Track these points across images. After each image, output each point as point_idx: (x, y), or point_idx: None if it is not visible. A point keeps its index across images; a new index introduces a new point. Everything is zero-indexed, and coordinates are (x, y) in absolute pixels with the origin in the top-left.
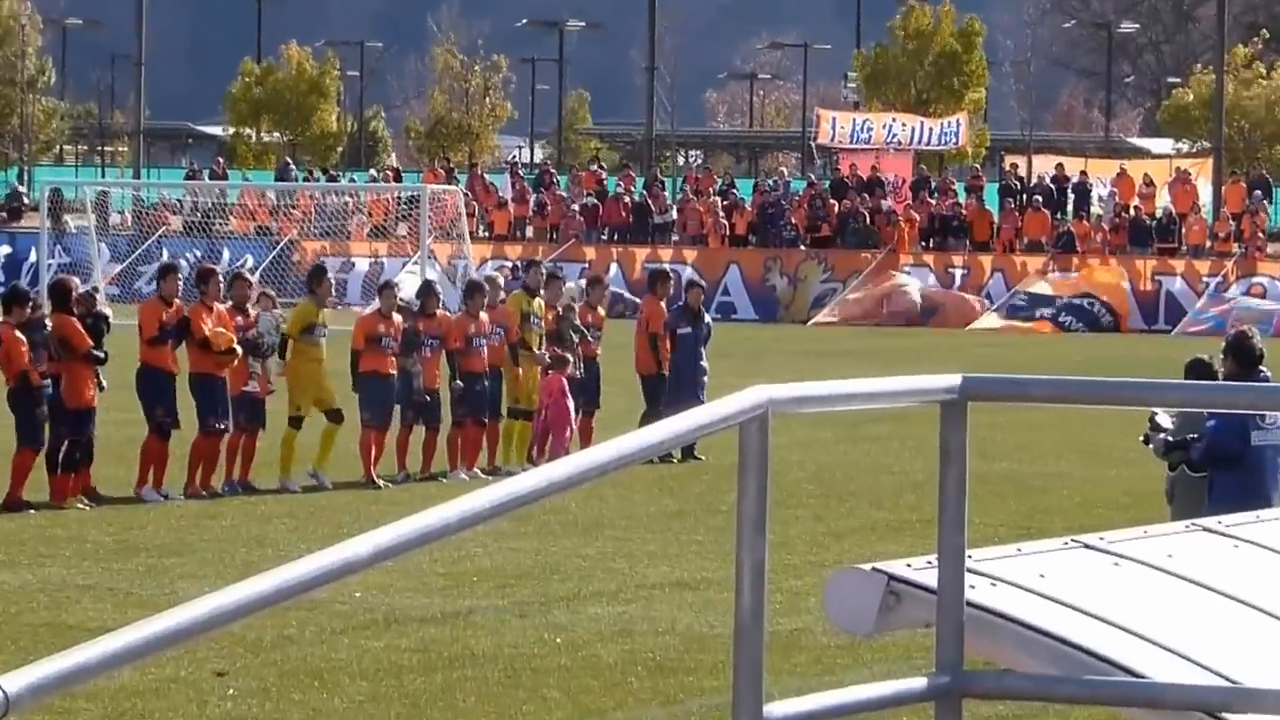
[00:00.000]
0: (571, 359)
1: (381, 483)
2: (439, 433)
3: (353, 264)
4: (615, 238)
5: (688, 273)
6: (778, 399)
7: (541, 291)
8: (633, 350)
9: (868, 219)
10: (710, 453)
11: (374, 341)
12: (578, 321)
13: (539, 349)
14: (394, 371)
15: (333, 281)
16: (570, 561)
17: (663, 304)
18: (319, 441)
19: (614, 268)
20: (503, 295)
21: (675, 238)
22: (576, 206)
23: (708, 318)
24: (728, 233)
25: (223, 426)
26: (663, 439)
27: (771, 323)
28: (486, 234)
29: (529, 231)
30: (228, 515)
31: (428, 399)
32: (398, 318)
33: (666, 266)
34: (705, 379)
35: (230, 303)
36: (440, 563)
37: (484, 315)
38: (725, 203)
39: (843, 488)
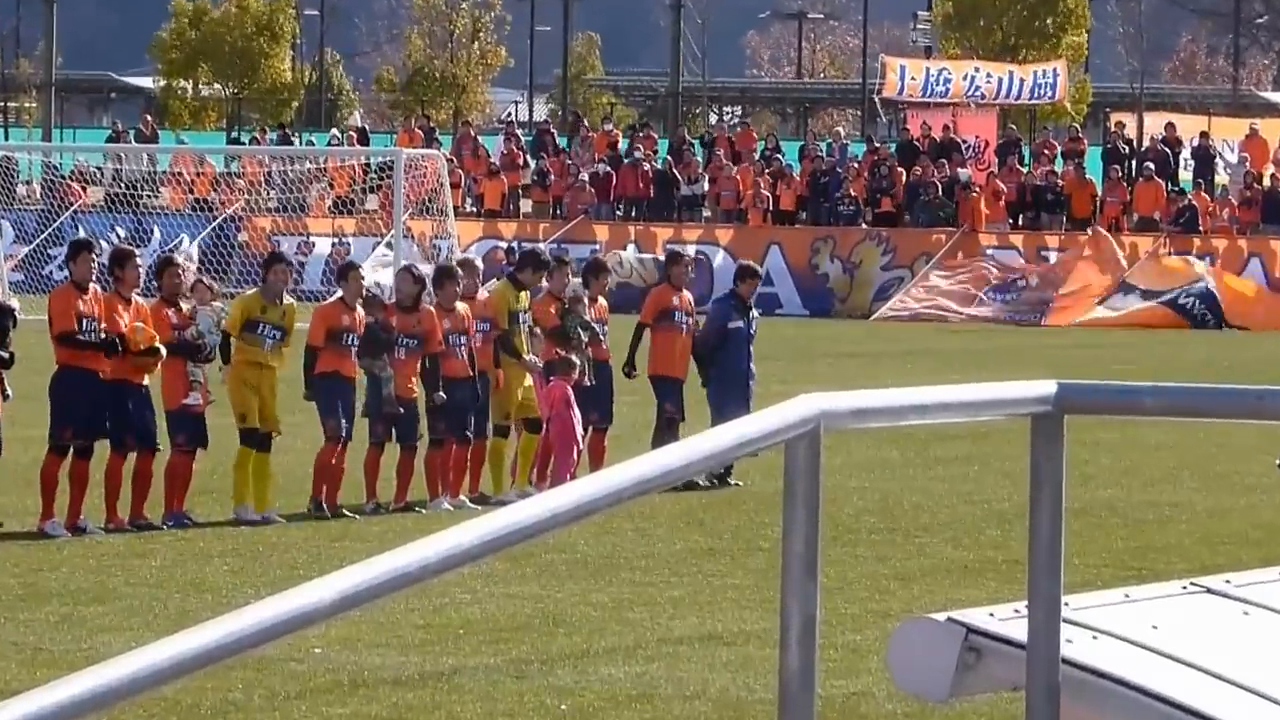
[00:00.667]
0: (579, 363)
1: (347, 513)
2: (415, 453)
3: (312, 244)
4: (633, 213)
5: (717, 258)
6: (832, 411)
7: (545, 283)
8: (654, 351)
9: (940, 190)
10: (749, 477)
11: (336, 338)
12: (588, 316)
13: (528, 354)
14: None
15: (294, 266)
16: (578, 611)
17: (681, 293)
18: (242, 475)
19: (630, 250)
20: (485, 284)
21: (706, 214)
22: (585, 175)
23: (755, 312)
24: (770, 207)
25: (150, 447)
26: (690, 460)
27: (824, 318)
28: (475, 209)
29: (526, 206)
30: (158, 554)
31: (401, 411)
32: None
33: (689, 249)
34: (754, 384)
35: (160, 295)
36: (418, 612)
37: (462, 307)
38: (768, 171)
39: (911, 521)
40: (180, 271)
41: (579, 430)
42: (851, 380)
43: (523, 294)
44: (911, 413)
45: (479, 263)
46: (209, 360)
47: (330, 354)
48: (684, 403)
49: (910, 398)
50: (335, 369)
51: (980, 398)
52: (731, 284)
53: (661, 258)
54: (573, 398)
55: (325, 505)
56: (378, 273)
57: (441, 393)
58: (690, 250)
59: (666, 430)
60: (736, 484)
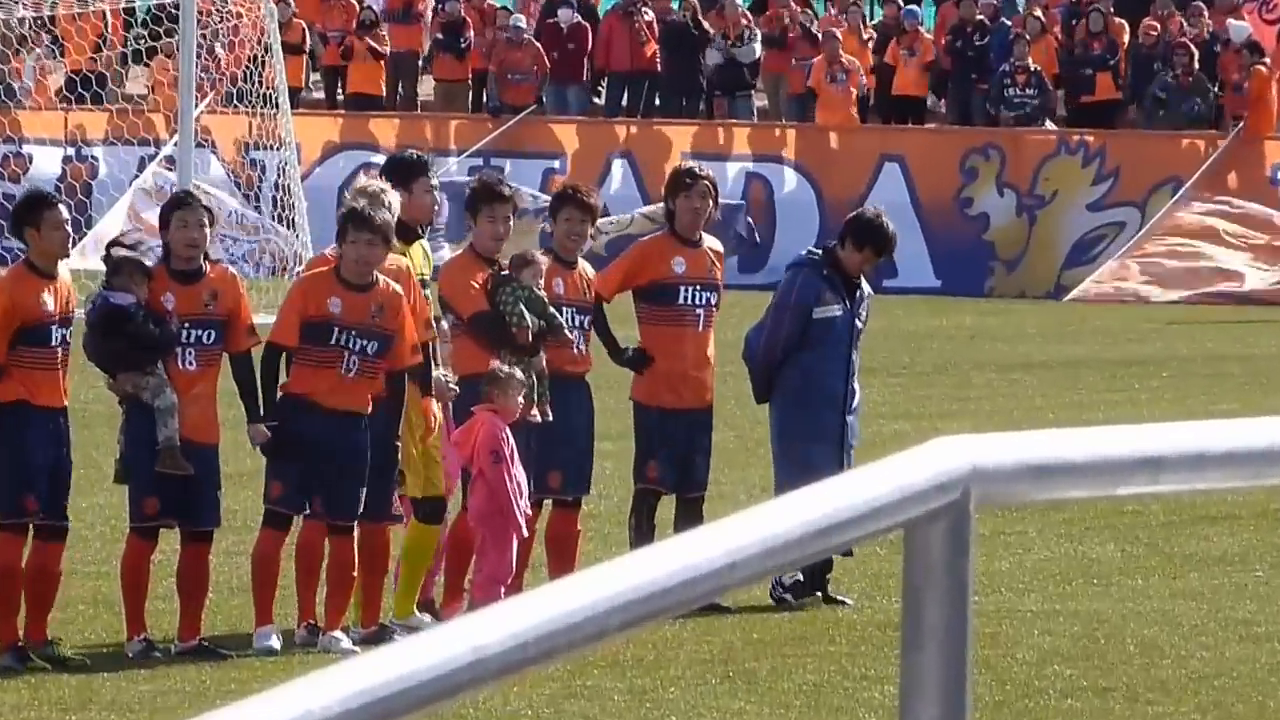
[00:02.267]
0: (524, 378)
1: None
2: (209, 544)
3: (28, 158)
4: (623, 99)
5: (783, 183)
6: (990, 469)
7: (446, 243)
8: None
9: (1196, 61)
10: (850, 583)
11: (35, 330)
12: (548, 304)
13: (443, 371)
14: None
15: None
16: None
17: (697, 249)
18: None
19: (618, 168)
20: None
21: (760, 103)
22: (526, 26)
23: (868, 289)
24: (878, 92)
25: None
26: (736, 558)
27: (974, 296)
28: (327, 92)
29: (427, 89)
30: None
31: (191, 470)
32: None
33: (699, 166)
34: (854, 419)
35: None
36: None
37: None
38: (873, 24)
39: (1139, 675)
40: None
41: (521, 503)
42: (1031, 418)
43: (415, 251)
44: (1138, 472)
45: (365, 195)
46: None
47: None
48: (693, 455)
49: (1135, 445)
50: (20, 397)
51: (1257, 446)
52: (824, 243)
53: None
54: (512, 445)
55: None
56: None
57: (265, 427)
58: (725, 170)
59: (642, 507)
60: (845, 601)
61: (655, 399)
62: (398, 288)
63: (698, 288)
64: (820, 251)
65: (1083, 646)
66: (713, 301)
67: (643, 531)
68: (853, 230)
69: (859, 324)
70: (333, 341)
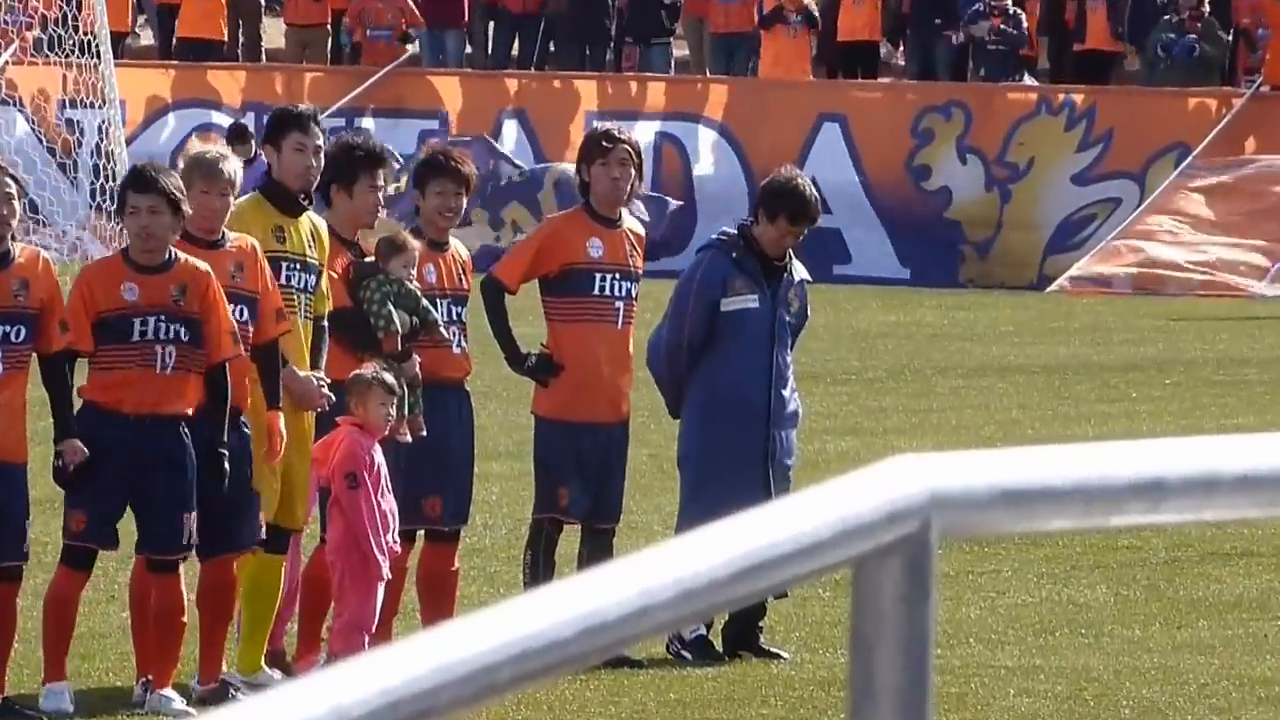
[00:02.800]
0: (397, 387)
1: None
2: (17, 583)
3: None
4: (513, 48)
5: (705, 147)
6: (952, 494)
7: (311, 211)
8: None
9: (1202, 5)
10: (781, 634)
11: None
12: (421, 298)
13: (319, 373)
14: None
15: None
16: None
17: (615, 230)
18: None
19: (510, 129)
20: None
21: (680, 52)
22: None
23: (802, 273)
24: (820, 35)
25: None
26: (649, 601)
27: (940, 287)
28: (163, 40)
29: (274, 35)
30: None
31: None
32: None
33: (619, 128)
34: (792, 435)
35: None
36: None
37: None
38: None
39: None
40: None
41: (386, 538)
42: (1006, 433)
43: (301, 225)
44: (1135, 499)
45: (214, 154)
46: None
47: None
48: (608, 479)
49: (1132, 467)
50: None
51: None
52: (741, 220)
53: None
54: (379, 465)
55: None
56: None
57: (61, 450)
58: (641, 131)
59: (540, 540)
60: (778, 654)
61: (565, 412)
62: (204, 266)
63: (617, 276)
64: (734, 231)
65: (1067, 709)
66: (633, 293)
67: (540, 569)
68: (763, 198)
69: (787, 316)
70: (136, 337)
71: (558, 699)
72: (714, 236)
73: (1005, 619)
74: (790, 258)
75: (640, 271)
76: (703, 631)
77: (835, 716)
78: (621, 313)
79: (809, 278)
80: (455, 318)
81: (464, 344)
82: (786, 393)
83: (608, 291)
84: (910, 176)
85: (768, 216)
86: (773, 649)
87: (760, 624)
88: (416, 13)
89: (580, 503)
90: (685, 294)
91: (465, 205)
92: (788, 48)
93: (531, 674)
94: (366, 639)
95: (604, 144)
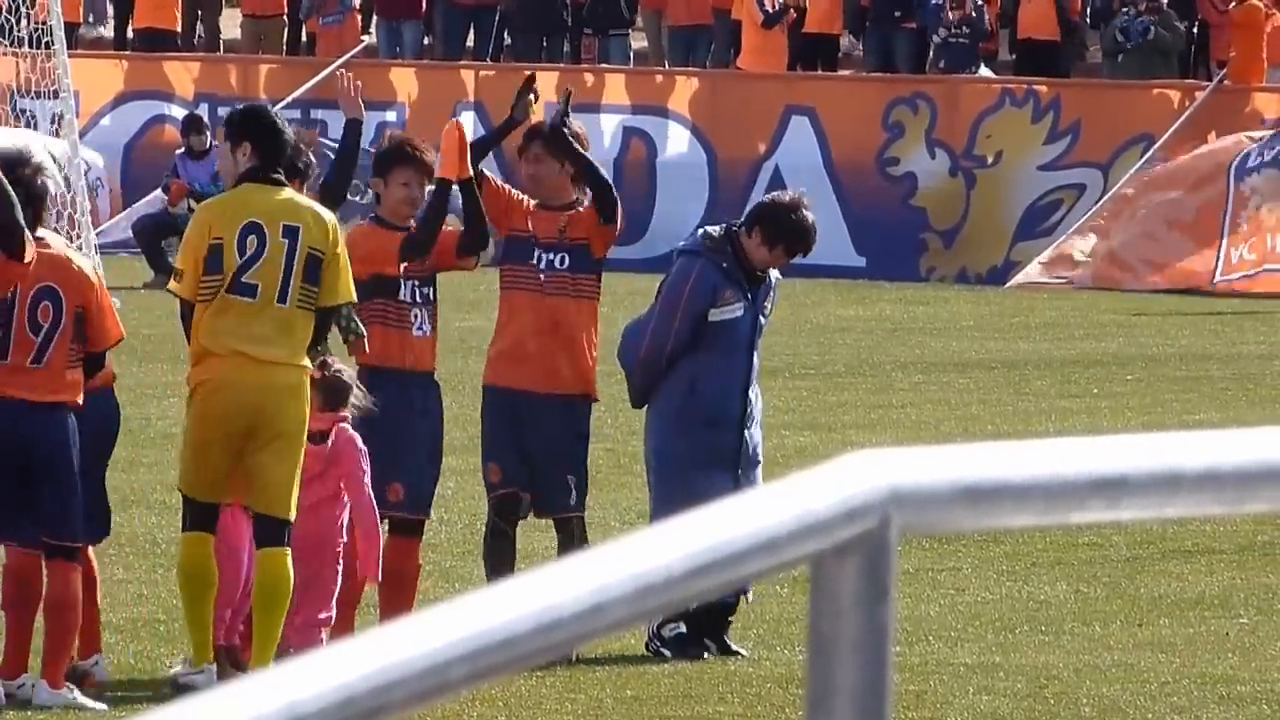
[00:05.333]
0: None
1: None
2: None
3: None
4: (468, 39)
5: (668, 141)
6: (912, 491)
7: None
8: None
9: None
10: (752, 637)
11: None
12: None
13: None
14: None
15: None
16: None
17: (547, 212)
18: None
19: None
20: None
21: (638, 44)
22: None
23: (775, 277)
24: (787, 25)
25: None
26: (604, 598)
27: (904, 280)
28: (119, 29)
29: (231, 26)
30: None
31: None
32: None
33: (581, 121)
34: (756, 430)
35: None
36: None
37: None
38: None
39: None
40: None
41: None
42: (966, 428)
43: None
44: (1096, 496)
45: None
46: None
47: None
48: (550, 461)
49: (1093, 463)
50: None
51: (1241, 464)
52: (727, 224)
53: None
54: (361, 450)
55: None
56: None
57: None
58: (598, 123)
59: (488, 533)
60: (737, 651)
61: (495, 378)
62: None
63: (548, 249)
64: (719, 235)
65: (1027, 708)
66: (560, 268)
67: (491, 563)
68: (764, 222)
69: (763, 320)
70: None
71: (513, 695)
72: (699, 236)
73: (965, 616)
74: (772, 276)
75: (569, 240)
76: (683, 629)
77: (793, 714)
78: (546, 283)
79: (780, 275)
80: (422, 299)
81: (426, 328)
82: (753, 394)
83: (536, 261)
84: (879, 168)
85: (765, 239)
86: (734, 646)
87: (729, 619)
88: None
89: (514, 478)
90: (674, 302)
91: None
92: (775, 43)
93: (485, 671)
94: (325, 635)
95: (555, 126)
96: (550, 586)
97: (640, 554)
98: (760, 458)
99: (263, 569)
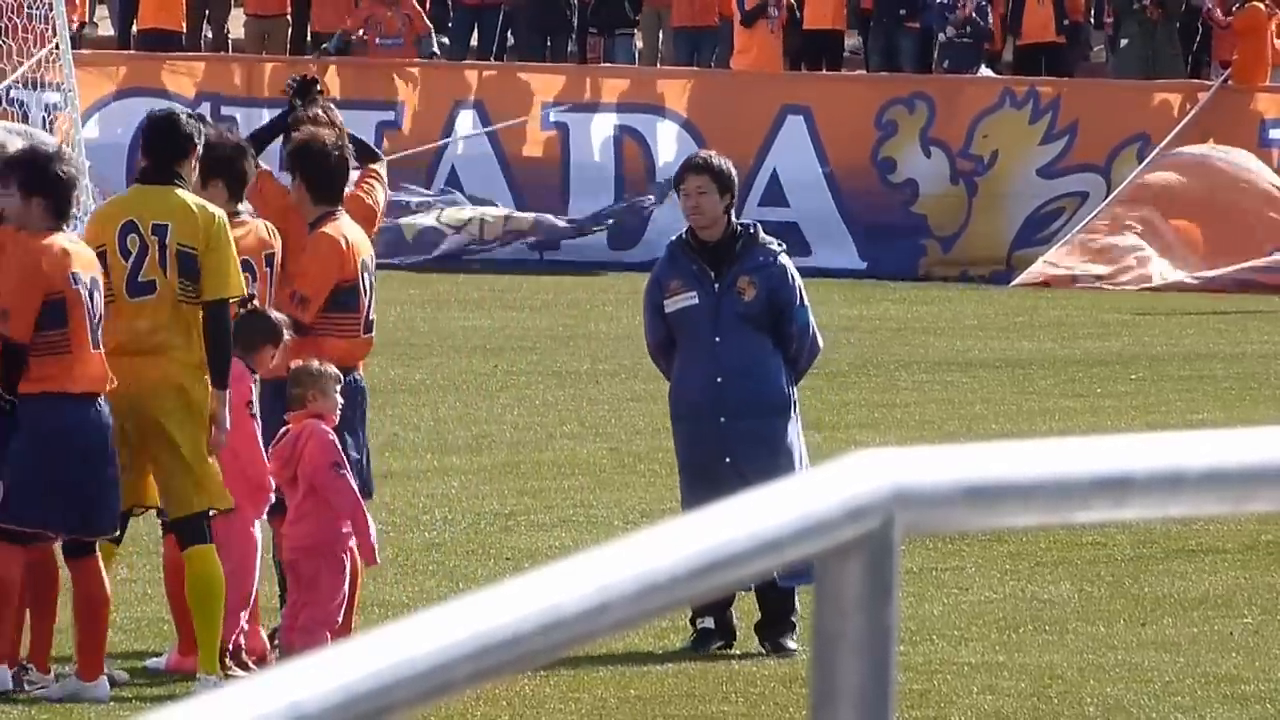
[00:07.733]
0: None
1: None
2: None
3: None
4: (473, 38)
5: (667, 139)
6: (916, 490)
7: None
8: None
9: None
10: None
11: None
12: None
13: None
14: None
15: None
16: None
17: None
18: None
19: (466, 120)
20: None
21: (639, 44)
22: None
23: (767, 254)
24: (785, 25)
25: None
26: (598, 602)
27: (904, 280)
28: (123, 31)
29: (236, 26)
30: None
31: None
32: None
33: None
34: (774, 419)
35: None
36: None
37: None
38: None
39: None
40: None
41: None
42: (969, 428)
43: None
44: (1100, 495)
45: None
46: None
47: None
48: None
49: (1097, 463)
50: None
51: (1245, 464)
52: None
53: None
54: (337, 445)
55: None
56: None
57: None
58: (600, 123)
59: None
60: (734, 630)
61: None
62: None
63: None
64: (679, 237)
65: (1031, 707)
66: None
67: None
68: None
69: (738, 306)
70: None
71: (516, 695)
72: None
73: (969, 616)
74: (744, 244)
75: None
76: (709, 625)
77: (797, 713)
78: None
79: (779, 254)
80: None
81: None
82: (750, 381)
83: None
84: (876, 170)
85: (678, 192)
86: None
87: (727, 612)
88: (425, 18)
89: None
90: (657, 298)
91: None
92: (767, 42)
93: (489, 670)
94: (329, 635)
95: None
96: (555, 586)
97: (644, 553)
98: (781, 446)
99: (191, 569)
